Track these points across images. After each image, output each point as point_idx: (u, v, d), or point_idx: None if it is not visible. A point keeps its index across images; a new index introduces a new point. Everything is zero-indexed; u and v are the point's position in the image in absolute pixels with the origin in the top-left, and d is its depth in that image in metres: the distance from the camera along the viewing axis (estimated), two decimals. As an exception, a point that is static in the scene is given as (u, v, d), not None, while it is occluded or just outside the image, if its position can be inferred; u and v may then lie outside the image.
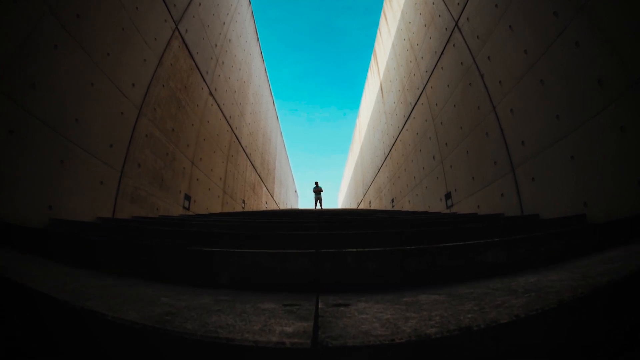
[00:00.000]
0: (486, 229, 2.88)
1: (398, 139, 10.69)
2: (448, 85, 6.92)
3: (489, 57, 5.51)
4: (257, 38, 14.59)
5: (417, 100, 8.75)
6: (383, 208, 12.70)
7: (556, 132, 3.89)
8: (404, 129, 10.04)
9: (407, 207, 9.55)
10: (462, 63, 6.40)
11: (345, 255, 1.63)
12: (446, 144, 6.84)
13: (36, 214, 3.34)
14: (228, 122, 9.66)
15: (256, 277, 1.65)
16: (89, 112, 4.22)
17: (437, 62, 7.58)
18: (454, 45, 6.79)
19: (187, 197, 6.57)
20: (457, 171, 6.32)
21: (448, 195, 6.64)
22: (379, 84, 14.01)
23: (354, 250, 1.66)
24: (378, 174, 14.16)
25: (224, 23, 9.56)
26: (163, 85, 6.02)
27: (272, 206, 18.19)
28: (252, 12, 13.25)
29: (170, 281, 1.72)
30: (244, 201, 11.28)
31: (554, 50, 3.90)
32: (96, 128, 4.32)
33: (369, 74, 16.49)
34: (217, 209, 8.37)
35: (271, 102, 18.50)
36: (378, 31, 14.16)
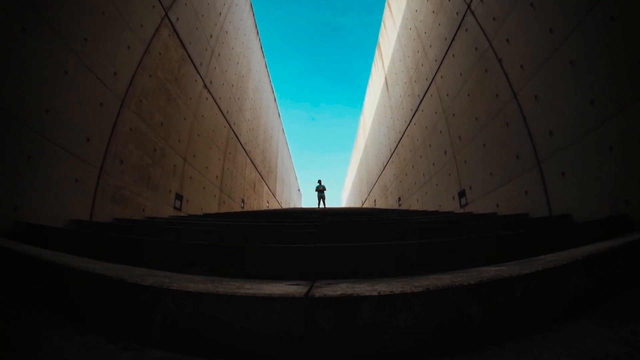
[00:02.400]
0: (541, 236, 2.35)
1: (405, 134, 10.14)
2: (460, 74, 6.37)
3: (507, 40, 4.97)
4: (257, 32, 14.09)
5: (426, 92, 8.20)
6: (389, 207, 12.16)
7: (591, 120, 3.37)
8: (411, 123, 9.48)
9: (415, 206, 9.00)
10: (476, 48, 5.85)
11: (358, 304, 1.03)
12: (459, 137, 6.29)
13: (-3, 217, 2.90)
14: (225, 117, 9.17)
15: (194, 344, 1.08)
16: (62, 102, 3.76)
17: (448, 49, 7.03)
18: (466, 30, 6.24)
19: (179, 197, 6.09)
20: (473, 167, 5.77)
21: (462, 193, 6.09)
22: (383, 78, 13.45)
23: (374, 292, 1.06)
24: (383, 171, 13.61)
25: (220, 14, 9.06)
26: (150, 75, 5.53)
27: (274, 205, 17.72)
28: (251, 5, 12.75)
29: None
30: (243, 201, 10.80)
31: (586, 26, 3.39)
32: (70, 120, 3.86)
33: (373, 69, 15.94)
34: (213, 209, 7.89)
35: (272, 99, 18.00)
36: (382, 23, 13.60)
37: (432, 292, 1.04)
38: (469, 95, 6.00)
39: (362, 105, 20.68)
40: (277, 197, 18.93)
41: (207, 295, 1.07)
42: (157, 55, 5.83)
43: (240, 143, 10.84)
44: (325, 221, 4.05)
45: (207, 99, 7.83)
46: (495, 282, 1.09)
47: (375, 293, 1.05)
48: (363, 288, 1.18)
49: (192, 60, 7.13)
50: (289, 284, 1.39)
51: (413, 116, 9.27)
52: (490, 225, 3.43)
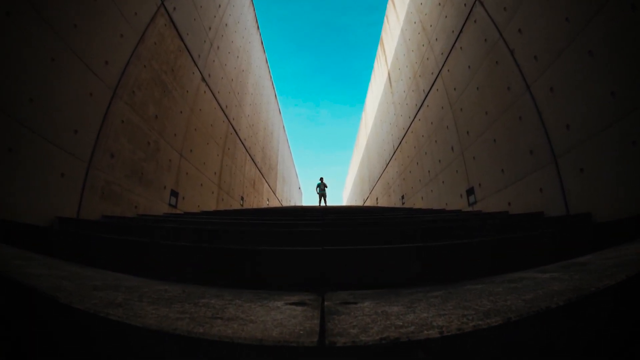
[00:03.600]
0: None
1: (409, 130, 9.87)
2: (469, 67, 6.10)
3: (519, 30, 4.72)
4: (258, 27, 13.80)
5: (432, 86, 7.92)
6: (392, 205, 11.90)
7: (612, 113, 3.13)
8: (415, 119, 9.21)
9: (419, 205, 8.74)
10: (485, 40, 5.58)
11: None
12: (467, 132, 6.03)
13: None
14: (224, 112, 8.91)
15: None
16: (48, 91, 3.52)
17: (455, 42, 6.75)
18: (475, 21, 5.96)
19: (174, 194, 5.84)
20: (482, 163, 5.51)
21: (470, 191, 5.83)
22: (386, 74, 13.17)
23: (432, 331, 0.69)
24: (386, 169, 13.34)
25: (220, 6, 8.78)
26: (144, 66, 5.28)
27: (274, 203, 17.47)
28: (251, -1, 12.46)
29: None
30: (242, 198, 10.55)
31: (606, 14, 3.14)
32: (56, 110, 3.61)
33: (376, 65, 15.65)
34: (210, 206, 7.64)
35: (273, 95, 17.72)
36: (385, 19, 13.31)
37: (514, 325, 0.71)
38: (478, 88, 5.74)
39: (363, 103, 20.41)
40: (277, 195, 18.68)
41: (157, 336, 0.73)
42: (152, 45, 5.57)
43: (240, 139, 10.59)
44: (328, 219, 3.80)
45: (205, 92, 7.57)
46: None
47: (435, 333, 0.68)
48: (404, 316, 0.84)
49: (189, 52, 6.87)
50: (291, 304, 1.12)
51: (418, 112, 9.00)
52: (511, 224, 3.17)
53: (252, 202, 12.07)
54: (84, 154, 4.02)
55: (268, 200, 15.54)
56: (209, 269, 1.69)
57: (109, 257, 1.92)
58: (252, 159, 12.37)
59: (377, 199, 15.65)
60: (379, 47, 14.67)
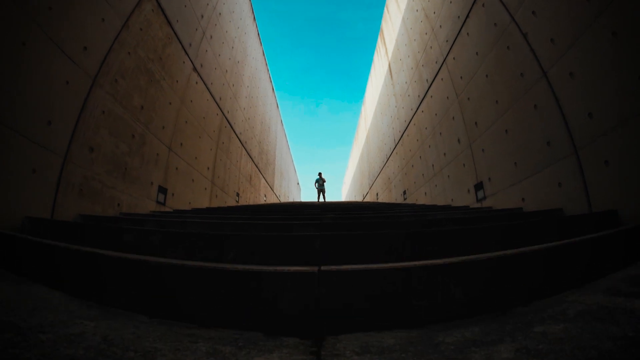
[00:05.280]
0: None
1: (411, 123, 9.48)
2: (477, 53, 5.72)
3: (533, 12, 4.36)
4: (254, 18, 13.34)
5: (436, 76, 7.54)
6: (393, 201, 11.56)
7: (641, 99, 2.78)
8: (418, 111, 8.82)
9: (422, 200, 8.39)
10: (495, 24, 5.20)
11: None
12: (476, 123, 5.66)
13: None
14: (218, 105, 8.50)
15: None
16: (18, 78, 3.16)
17: (461, 28, 6.36)
18: (482, 5, 5.58)
19: (162, 190, 5.46)
20: (492, 156, 5.15)
21: (479, 186, 5.47)
22: (387, 65, 12.75)
23: None
24: (387, 164, 12.97)
25: (213, -8, 8.34)
26: (129, 53, 4.88)
27: (272, 199, 17.12)
28: (246, -13, 11.98)
29: None
30: (238, 194, 10.18)
31: None
32: (27, 99, 3.24)
33: (375, 57, 15.21)
34: (204, 203, 7.27)
35: (270, 89, 17.27)
36: (385, 8, 12.86)
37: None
38: (487, 76, 5.36)
39: (362, 98, 19.97)
40: (275, 191, 18.32)
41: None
42: (138, 32, 5.17)
43: (235, 133, 10.19)
44: (326, 219, 3.44)
45: (197, 83, 7.16)
46: None
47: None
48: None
49: (179, 40, 6.46)
50: None
51: (421, 103, 8.61)
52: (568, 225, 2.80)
53: (248, 199, 11.71)
54: (59, 147, 3.65)
55: (265, 196, 15.18)
56: (151, 296, 1.34)
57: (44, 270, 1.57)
58: (249, 154, 11.97)
59: (377, 194, 15.31)
60: (379, 39, 14.23)
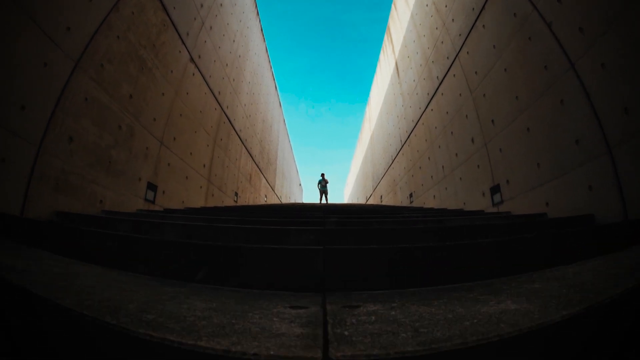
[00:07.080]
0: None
1: (420, 122, 9.05)
2: (494, 46, 5.30)
3: (558, 0, 3.94)
4: (257, 13, 12.99)
5: (447, 72, 7.12)
6: (398, 204, 11.12)
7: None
8: (427, 109, 8.40)
9: (431, 203, 7.95)
10: (515, 14, 4.80)
11: None
12: (492, 121, 5.23)
13: None
14: (216, 99, 8.11)
15: None
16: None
17: (476, 20, 5.95)
18: (500, -6, 5.17)
19: (152, 187, 5.06)
20: (511, 156, 4.72)
21: (495, 189, 5.04)
22: (393, 63, 12.34)
23: None
24: (392, 165, 12.53)
25: (213, -19, 7.98)
26: (118, 37, 4.50)
27: (272, 200, 16.71)
28: (250, -19, 11.62)
29: None
30: (236, 194, 9.77)
31: None
32: (-4, 81, 2.86)
33: (381, 56, 14.81)
34: (199, 202, 6.88)
35: (273, 86, 16.90)
36: (392, 5, 12.47)
37: None
38: (505, 70, 4.94)
39: (366, 100, 19.56)
40: (276, 191, 17.91)
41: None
42: (130, 15, 4.79)
43: (235, 130, 9.80)
44: (330, 224, 3.01)
45: (193, 74, 6.78)
46: None
47: None
48: None
49: (176, 28, 6.09)
50: None
51: (430, 101, 8.18)
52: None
53: (248, 198, 11.31)
54: (33, 135, 3.26)
55: (266, 196, 14.78)
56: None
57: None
58: (249, 152, 11.58)
59: (381, 196, 14.87)
60: (386, 36, 13.84)
